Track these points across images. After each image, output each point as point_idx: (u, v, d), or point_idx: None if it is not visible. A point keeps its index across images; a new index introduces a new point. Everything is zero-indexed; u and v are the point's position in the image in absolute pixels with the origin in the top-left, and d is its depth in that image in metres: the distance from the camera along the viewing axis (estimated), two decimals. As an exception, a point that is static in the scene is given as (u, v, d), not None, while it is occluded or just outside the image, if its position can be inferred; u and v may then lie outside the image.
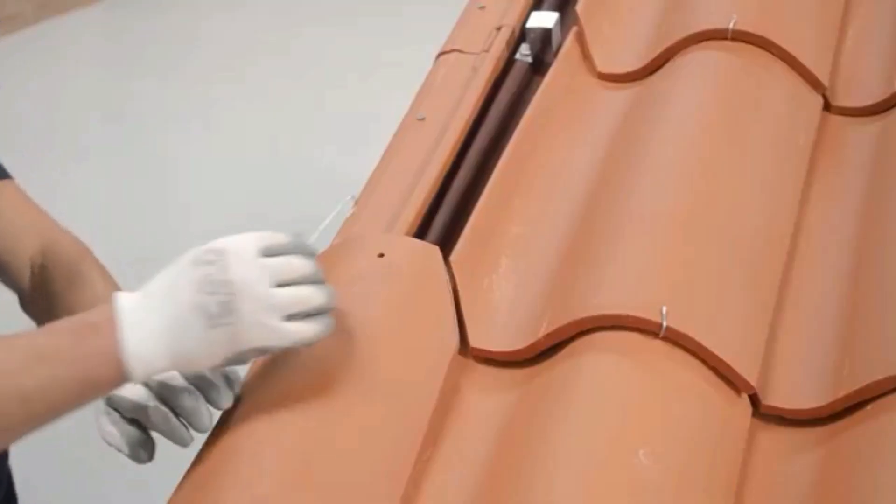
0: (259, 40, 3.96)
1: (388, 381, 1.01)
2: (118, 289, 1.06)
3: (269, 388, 1.00)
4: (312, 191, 2.85)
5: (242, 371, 1.03)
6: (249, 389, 1.01)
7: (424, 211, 1.23)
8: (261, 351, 0.94)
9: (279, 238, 0.96)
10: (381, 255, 1.10)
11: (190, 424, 0.98)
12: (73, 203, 3.17)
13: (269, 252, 0.94)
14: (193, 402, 0.98)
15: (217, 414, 1.00)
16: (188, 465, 0.98)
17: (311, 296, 0.94)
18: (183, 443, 0.98)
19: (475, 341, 1.08)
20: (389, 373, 1.01)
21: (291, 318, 0.93)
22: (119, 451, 1.01)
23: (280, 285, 0.93)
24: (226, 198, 3.22)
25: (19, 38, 4.03)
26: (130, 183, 3.34)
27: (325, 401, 0.98)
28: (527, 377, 1.05)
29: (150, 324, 0.92)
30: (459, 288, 1.11)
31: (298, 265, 0.95)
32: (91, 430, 1.02)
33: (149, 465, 1.04)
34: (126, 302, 0.93)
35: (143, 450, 1.01)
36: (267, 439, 0.95)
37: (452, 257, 1.14)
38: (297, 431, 0.95)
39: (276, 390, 0.99)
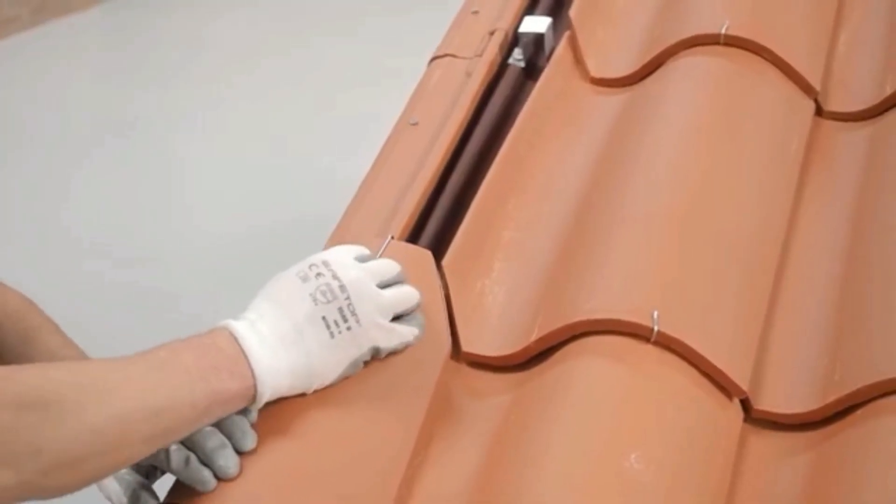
0: (260, 45, 3.97)
1: (380, 384, 1.01)
2: (71, 342, 1.04)
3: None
4: (314, 193, 2.85)
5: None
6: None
7: (417, 215, 1.23)
8: (375, 352, 0.98)
9: (364, 249, 1.01)
10: (374, 260, 1.10)
11: (214, 466, 0.92)
12: (74, 206, 3.19)
13: (360, 259, 0.99)
14: (218, 442, 0.92)
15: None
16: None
17: (410, 294, 1.00)
18: (205, 485, 0.91)
19: (467, 345, 1.08)
20: (382, 376, 1.01)
21: (394, 319, 0.98)
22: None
23: (380, 286, 0.98)
24: (228, 200, 3.22)
25: (16, 42, 4.03)
26: (132, 186, 3.34)
27: (318, 404, 0.98)
28: (519, 381, 1.05)
29: (269, 343, 0.92)
30: (452, 292, 1.12)
31: (390, 266, 1.01)
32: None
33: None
34: (238, 324, 0.93)
35: (146, 495, 0.97)
36: (263, 442, 0.95)
37: (445, 262, 1.14)
38: (290, 434, 0.96)
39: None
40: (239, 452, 0.92)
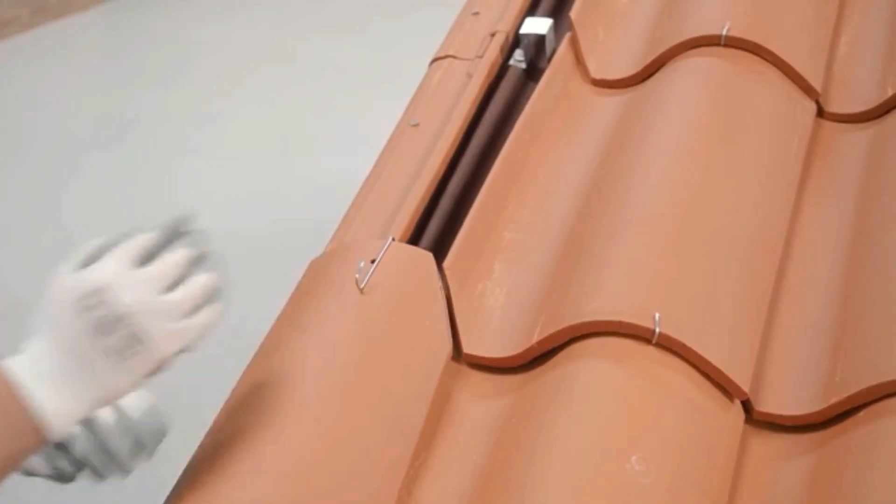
0: (260, 47, 3.97)
1: (381, 387, 1.01)
2: None
3: (264, 395, 1.00)
4: (314, 194, 2.85)
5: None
6: (243, 396, 1.01)
7: (418, 217, 1.23)
8: (180, 353, 0.91)
9: (145, 241, 0.91)
10: (374, 262, 1.11)
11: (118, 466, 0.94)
12: (74, 206, 3.19)
13: (143, 259, 0.90)
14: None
15: None
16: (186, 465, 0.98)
17: (201, 286, 0.92)
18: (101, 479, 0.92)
19: (468, 347, 1.08)
20: (383, 379, 1.02)
21: (189, 313, 0.91)
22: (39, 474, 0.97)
23: (169, 287, 0.90)
24: (228, 201, 3.22)
25: (16, 43, 4.03)
26: (132, 186, 3.34)
27: (319, 407, 0.98)
28: (520, 383, 1.05)
29: (56, 380, 0.88)
30: (453, 294, 1.12)
31: (174, 261, 0.91)
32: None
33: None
34: (20, 367, 0.88)
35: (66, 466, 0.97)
36: (263, 444, 0.95)
37: (446, 263, 1.14)
38: (292, 437, 0.96)
39: (271, 398, 0.99)
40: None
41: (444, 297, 1.11)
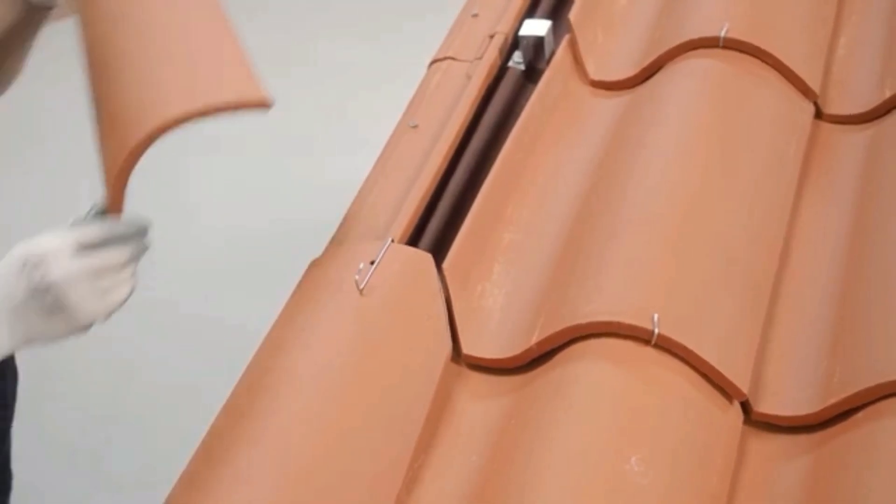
0: (260, 50, 3.96)
1: (381, 387, 1.01)
2: None
3: (263, 396, 1.00)
4: (314, 196, 2.85)
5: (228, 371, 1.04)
6: (243, 396, 1.01)
7: (417, 218, 1.23)
8: (97, 321, 1.04)
9: (92, 233, 1.04)
10: (373, 263, 1.11)
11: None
12: (76, 207, 3.18)
13: (85, 247, 1.03)
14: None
15: None
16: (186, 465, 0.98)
17: (125, 280, 1.05)
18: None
19: (468, 348, 1.09)
20: (382, 380, 1.02)
21: (109, 290, 1.04)
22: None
23: (100, 272, 1.03)
24: (229, 202, 3.22)
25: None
26: (132, 187, 3.33)
27: (319, 407, 0.98)
28: (519, 384, 1.05)
29: None
30: (452, 295, 1.12)
31: (113, 257, 1.04)
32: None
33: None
34: None
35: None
36: (262, 445, 0.95)
37: (445, 264, 1.14)
38: (292, 438, 0.96)
39: (271, 399, 0.99)
40: None
41: (444, 298, 1.11)
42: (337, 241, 1.23)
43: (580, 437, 0.94)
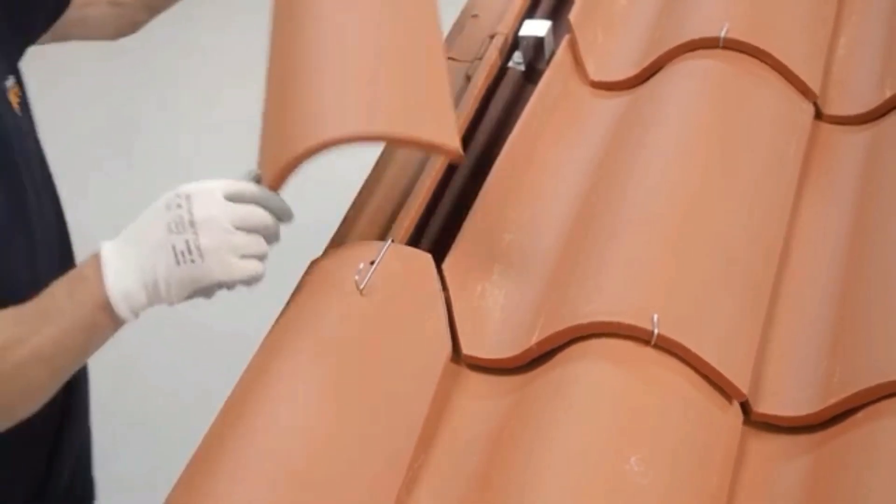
0: (263, 51, 3.95)
1: (380, 388, 1.01)
2: None
3: (263, 394, 1.00)
4: (314, 195, 2.84)
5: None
6: (243, 396, 1.01)
7: (417, 218, 1.23)
8: (220, 284, 1.04)
9: (246, 187, 1.06)
10: (373, 263, 1.11)
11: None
12: (79, 208, 3.18)
13: (235, 198, 1.04)
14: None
15: None
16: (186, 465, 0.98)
17: (263, 243, 1.06)
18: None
19: (467, 348, 1.09)
20: (382, 380, 1.02)
21: (245, 257, 1.04)
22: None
23: (239, 228, 1.03)
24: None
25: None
26: (135, 188, 3.33)
27: (318, 407, 0.98)
28: (519, 384, 1.05)
29: (128, 265, 1.02)
30: (452, 295, 1.12)
31: (259, 215, 1.05)
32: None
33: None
34: (108, 248, 1.04)
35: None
36: (262, 445, 0.95)
37: (445, 265, 1.14)
38: (291, 437, 0.96)
39: (270, 399, 0.99)
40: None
41: (444, 298, 1.11)
42: (337, 241, 1.23)
43: (580, 437, 0.94)
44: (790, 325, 1.10)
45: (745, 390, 1.01)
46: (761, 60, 1.33)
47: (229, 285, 1.04)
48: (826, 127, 1.34)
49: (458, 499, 0.95)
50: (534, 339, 1.05)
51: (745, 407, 1.02)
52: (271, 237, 1.06)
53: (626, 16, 1.49)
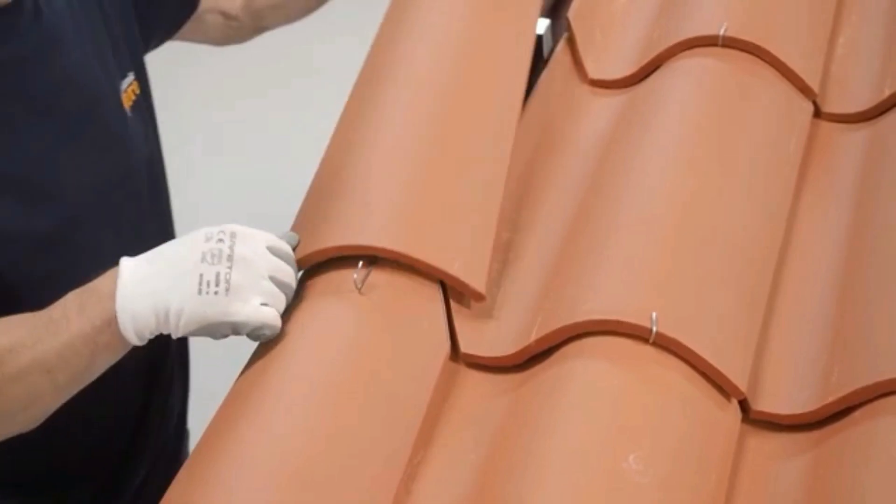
0: (269, 51, 3.95)
1: (379, 386, 1.01)
2: None
3: (262, 395, 1.00)
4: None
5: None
6: (241, 394, 1.01)
7: (416, 217, 1.22)
8: (234, 325, 1.01)
9: (283, 246, 1.07)
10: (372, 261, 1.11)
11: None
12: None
13: (274, 252, 1.04)
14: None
15: None
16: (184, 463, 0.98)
17: (285, 299, 1.05)
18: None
19: (466, 346, 1.08)
20: (381, 378, 1.02)
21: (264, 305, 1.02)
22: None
23: (271, 279, 1.03)
24: (232, 203, 3.22)
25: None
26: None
27: (317, 405, 0.99)
28: (518, 382, 1.05)
29: (144, 287, 1.00)
30: (450, 294, 1.12)
31: (290, 274, 1.06)
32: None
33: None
34: (126, 267, 1.01)
35: None
36: (259, 442, 0.95)
37: (444, 262, 1.14)
38: (290, 435, 0.96)
39: (269, 397, 0.99)
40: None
41: (442, 296, 1.11)
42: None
43: (578, 435, 0.94)
44: (789, 324, 1.10)
45: (743, 388, 1.01)
46: (760, 58, 1.33)
47: (241, 328, 1.02)
48: (825, 125, 1.34)
49: (457, 496, 0.95)
50: (532, 337, 1.05)
51: (744, 405, 1.02)
52: (287, 299, 1.06)
53: (625, 14, 1.49)
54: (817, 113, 1.34)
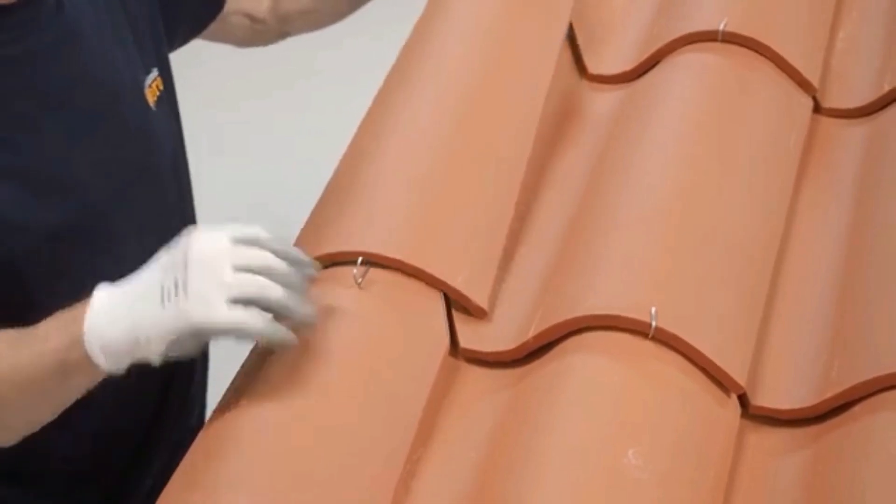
0: (270, 50, 3.95)
1: (378, 382, 1.01)
2: None
3: (260, 389, 1.00)
4: (316, 195, 2.86)
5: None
6: (239, 391, 1.01)
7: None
8: (201, 333, 0.94)
9: (253, 233, 0.96)
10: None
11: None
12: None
13: (242, 242, 0.95)
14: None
15: None
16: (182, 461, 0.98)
17: (267, 287, 0.94)
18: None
19: (465, 342, 1.08)
20: (380, 374, 1.02)
21: (237, 302, 0.93)
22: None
23: (240, 270, 0.94)
24: (234, 203, 3.22)
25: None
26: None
27: (316, 402, 0.98)
28: (517, 378, 1.05)
29: (116, 310, 0.96)
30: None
31: (263, 256, 0.95)
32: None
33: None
34: (103, 292, 0.98)
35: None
36: (258, 440, 0.95)
37: (443, 258, 1.14)
38: (288, 432, 0.96)
39: (267, 392, 0.99)
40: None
41: (441, 292, 1.11)
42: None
43: (578, 430, 0.94)
44: (789, 319, 1.10)
45: (743, 383, 1.00)
46: (760, 54, 1.33)
47: (210, 332, 0.95)
48: (825, 120, 1.34)
49: (457, 492, 0.95)
50: (531, 333, 1.05)
51: (744, 400, 1.02)
52: (290, 284, 0.96)
53: (626, 9, 1.49)
54: (817, 108, 1.34)
